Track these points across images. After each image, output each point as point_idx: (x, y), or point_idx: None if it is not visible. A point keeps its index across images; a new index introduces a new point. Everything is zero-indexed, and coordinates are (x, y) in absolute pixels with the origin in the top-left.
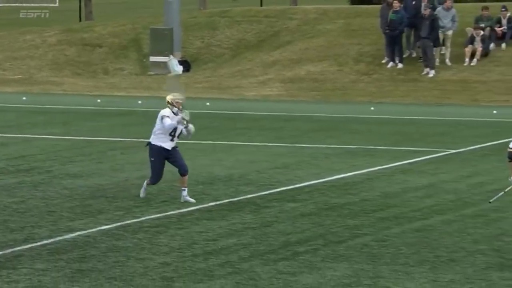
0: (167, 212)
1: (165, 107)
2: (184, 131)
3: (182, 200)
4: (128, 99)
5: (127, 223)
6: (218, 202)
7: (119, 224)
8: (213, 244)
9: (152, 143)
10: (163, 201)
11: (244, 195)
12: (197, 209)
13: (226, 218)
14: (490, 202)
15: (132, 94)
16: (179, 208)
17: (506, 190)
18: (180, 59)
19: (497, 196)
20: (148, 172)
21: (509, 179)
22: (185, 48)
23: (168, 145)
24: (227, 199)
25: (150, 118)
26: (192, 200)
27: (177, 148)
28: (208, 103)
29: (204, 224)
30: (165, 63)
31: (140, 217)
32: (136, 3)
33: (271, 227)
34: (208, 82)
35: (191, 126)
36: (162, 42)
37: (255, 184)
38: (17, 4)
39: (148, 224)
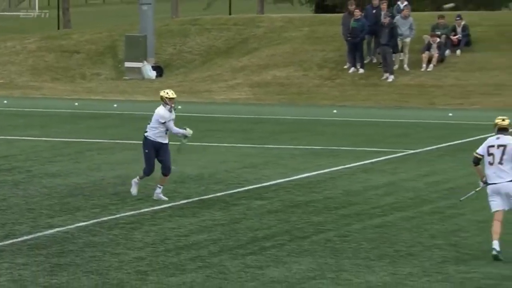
0: (141, 209)
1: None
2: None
3: (155, 197)
4: (105, 102)
5: (103, 220)
6: (189, 200)
7: (95, 220)
8: (185, 239)
9: (148, 136)
10: (137, 199)
11: (214, 193)
12: (169, 207)
13: (197, 215)
14: (460, 200)
15: (108, 98)
16: (152, 206)
17: (477, 189)
18: (153, 65)
19: (468, 195)
20: (123, 171)
21: (479, 182)
22: (158, 54)
23: (162, 139)
24: (198, 197)
25: (125, 121)
26: (164, 198)
27: (168, 146)
28: (180, 107)
29: (176, 220)
30: (139, 68)
31: (116, 214)
32: (112, 12)
33: (239, 223)
34: (180, 87)
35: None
36: (137, 48)
37: (225, 182)
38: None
39: (123, 220)
